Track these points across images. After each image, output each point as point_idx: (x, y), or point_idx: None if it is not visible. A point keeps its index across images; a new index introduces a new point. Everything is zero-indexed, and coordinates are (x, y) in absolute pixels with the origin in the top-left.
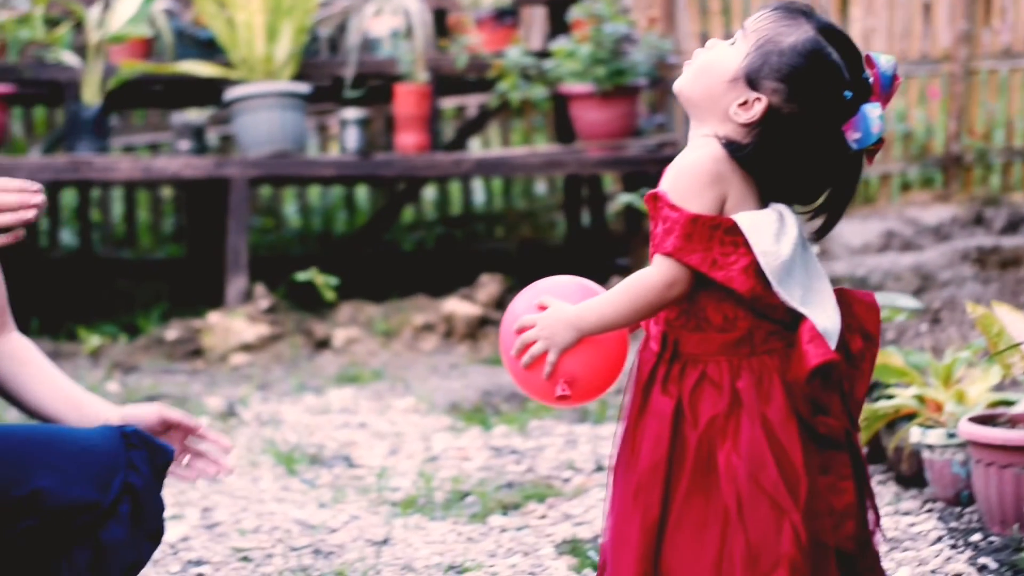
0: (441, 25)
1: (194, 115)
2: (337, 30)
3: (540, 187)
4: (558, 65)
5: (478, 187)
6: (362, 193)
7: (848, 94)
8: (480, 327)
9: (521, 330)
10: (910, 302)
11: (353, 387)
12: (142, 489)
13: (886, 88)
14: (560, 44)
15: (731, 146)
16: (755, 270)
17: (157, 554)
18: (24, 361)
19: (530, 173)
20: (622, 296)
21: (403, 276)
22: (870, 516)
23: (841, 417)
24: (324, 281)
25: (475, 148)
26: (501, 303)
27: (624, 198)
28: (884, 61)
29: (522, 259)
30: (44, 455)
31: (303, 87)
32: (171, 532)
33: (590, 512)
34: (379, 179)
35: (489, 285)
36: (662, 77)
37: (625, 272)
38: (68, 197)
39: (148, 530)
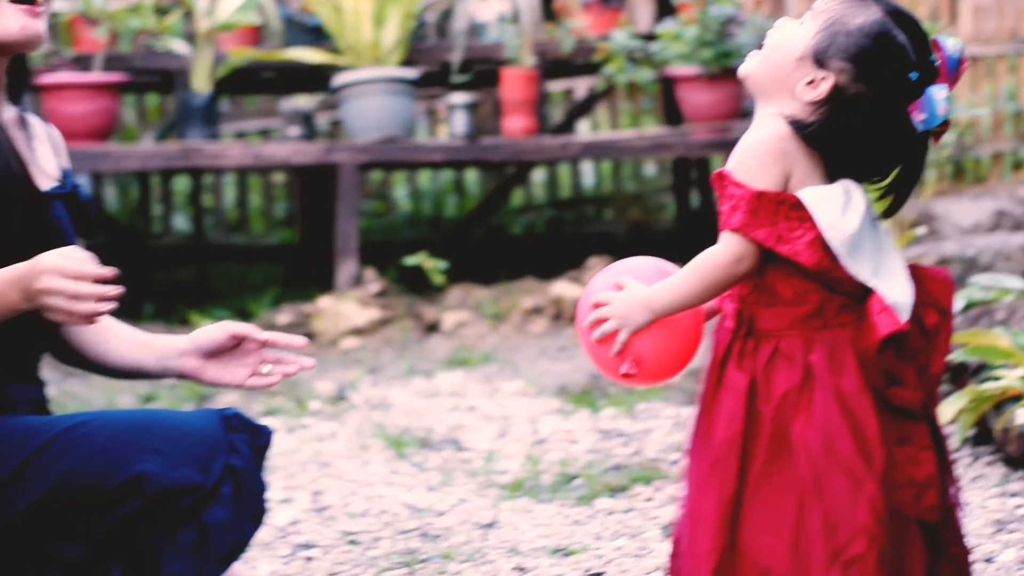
0: (548, 9)
1: (303, 101)
2: (444, 15)
3: (649, 169)
4: (664, 48)
5: (587, 169)
6: (471, 177)
7: (914, 76)
8: None
9: (596, 306)
10: (1018, 283)
11: (462, 370)
12: (243, 471)
13: (953, 71)
14: (666, 27)
15: (796, 124)
16: (821, 244)
17: (267, 537)
18: (101, 329)
19: (637, 156)
20: (692, 275)
21: (512, 259)
22: (951, 488)
23: (917, 389)
24: (433, 265)
25: (583, 131)
26: None
27: None
28: (951, 44)
29: (630, 241)
30: (147, 439)
31: (410, 72)
32: (281, 515)
33: None
34: (487, 163)
35: (597, 268)
36: None
37: None
38: (181, 183)
39: (250, 511)
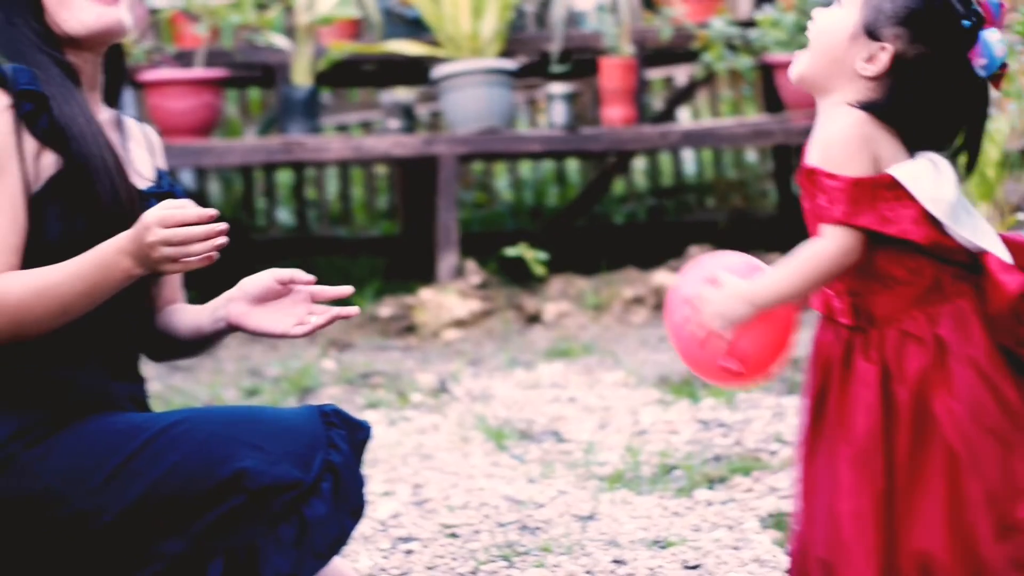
0: None
1: (403, 93)
2: (543, 5)
3: (751, 156)
4: (763, 35)
5: (688, 157)
6: (573, 166)
7: (967, 23)
8: None
9: (690, 304)
10: None
11: (563, 361)
12: (342, 466)
13: (997, 14)
14: (765, 13)
15: (868, 105)
16: (926, 217)
17: (367, 531)
18: (174, 310)
19: (737, 144)
20: (799, 268)
21: (613, 249)
22: None
23: None
24: (533, 256)
25: (684, 118)
26: None
27: None
28: None
29: (731, 230)
30: (248, 436)
31: (509, 64)
32: (382, 509)
33: (796, 487)
34: (586, 153)
35: (697, 257)
36: None
37: None
38: (284, 176)
39: (349, 506)
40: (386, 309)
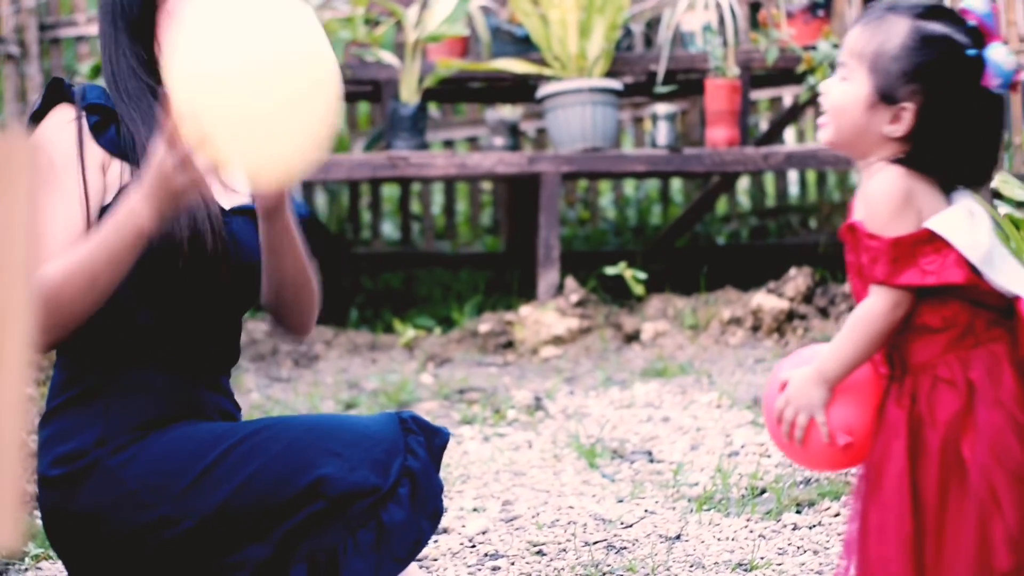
0: (753, 19)
1: (508, 111)
2: (649, 25)
3: (855, 178)
4: None
5: (793, 178)
6: (677, 185)
7: (972, 52)
8: (787, 321)
9: (780, 417)
10: None
11: (658, 381)
12: (420, 472)
13: (992, 24)
14: None
15: (907, 160)
16: (965, 261)
17: (455, 547)
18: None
19: (839, 166)
20: (854, 334)
21: (714, 268)
22: None
23: None
24: (632, 275)
25: (790, 139)
26: (809, 297)
27: None
28: (975, 3)
29: (832, 252)
30: (327, 443)
31: (615, 83)
32: (471, 525)
33: None
34: (689, 174)
35: (797, 278)
36: None
37: None
38: (390, 190)
39: (427, 511)
40: (485, 325)
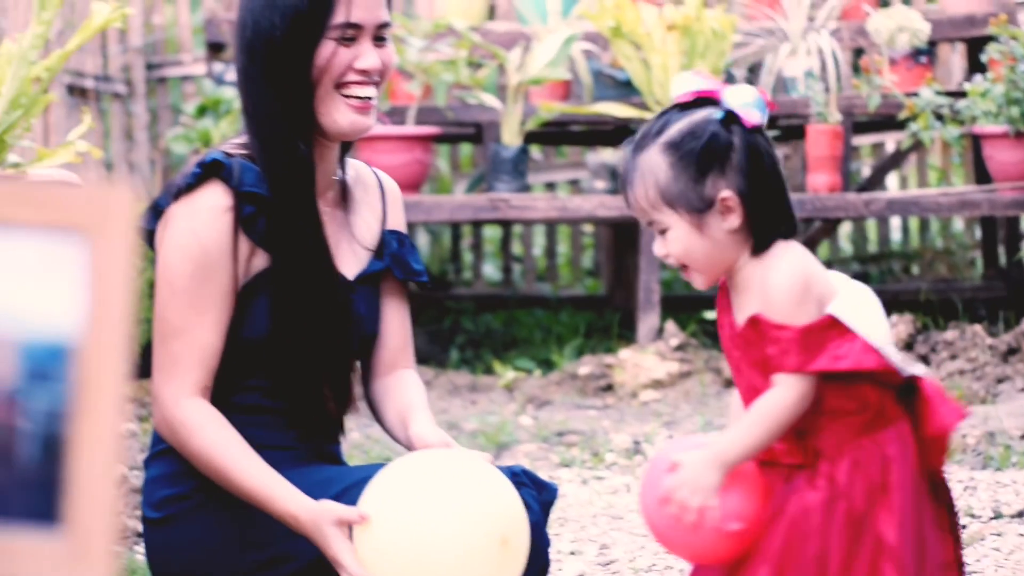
0: (855, 65)
1: (609, 154)
2: (751, 70)
3: (958, 224)
4: (971, 105)
5: (895, 224)
6: None
7: (717, 115)
8: None
9: (668, 498)
10: None
11: None
12: (533, 525)
13: (707, 89)
14: (974, 84)
15: (756, 234)
16: (870, 346)
17: None
18: (392, 385)
19: (941, 214)
20: (759, 422)
21: None
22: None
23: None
24: None
25: (892, 185)
26: (910, 344)
27: None
28: (682, 87)
29: (934, 298)
30: None
31: None
32: (568, 569)
33: (982, 561)
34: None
35: (898, 325)
36: None
37: None
38: (492, 231)
39: (537, 565)
40: (585, 367)
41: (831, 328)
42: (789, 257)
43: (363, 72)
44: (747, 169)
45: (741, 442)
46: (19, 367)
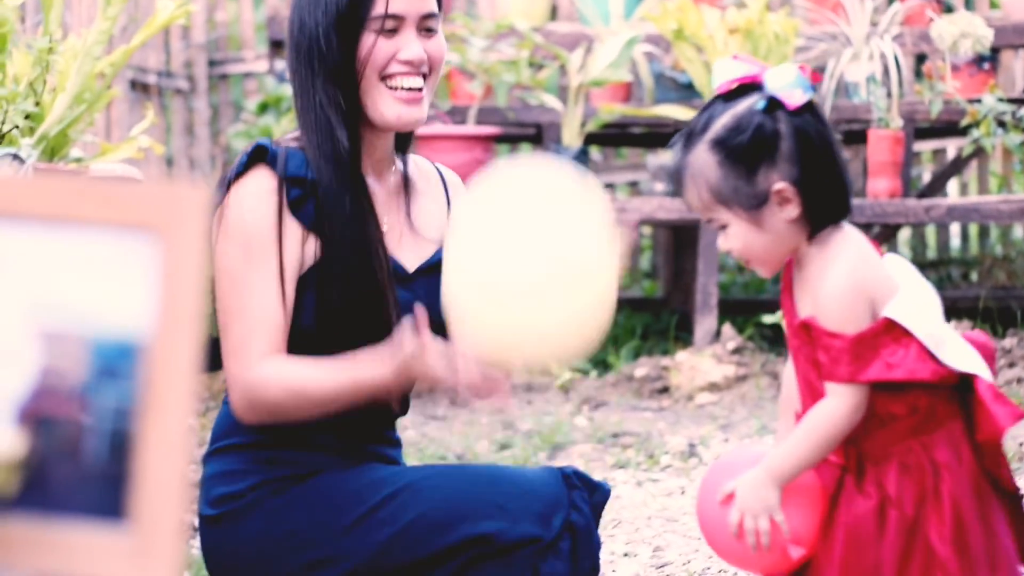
0: (917, 71)
1: (669, 157)
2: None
3: (1018, 232)
4: None
5: (955, 230)
6: None
7: (762, 104)
8: None
9: (741, 531)
10: None
11: None
12: (583, 527)
13: (746, 75)
14: None
15: (812, 221)
16: (926, 352)
17: None
18: None
19: (1001, 221)
20: (811, 435)
21: None
22: None
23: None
24: None
25: (953, 192)
26: None
27: None
28: (722, 73)
29: (992, 306)
30: (492, 495)
31: None
32: (622, 570)
33: None
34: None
35: (958, 331)
36: None
37: None
38: None
39: (585, 567)
40: (641, 369)
41: (886, 333)
42: (846, 255)
43: (407, 63)
44: (798, 156)
45: (794, 456)
46: (89, 364)
